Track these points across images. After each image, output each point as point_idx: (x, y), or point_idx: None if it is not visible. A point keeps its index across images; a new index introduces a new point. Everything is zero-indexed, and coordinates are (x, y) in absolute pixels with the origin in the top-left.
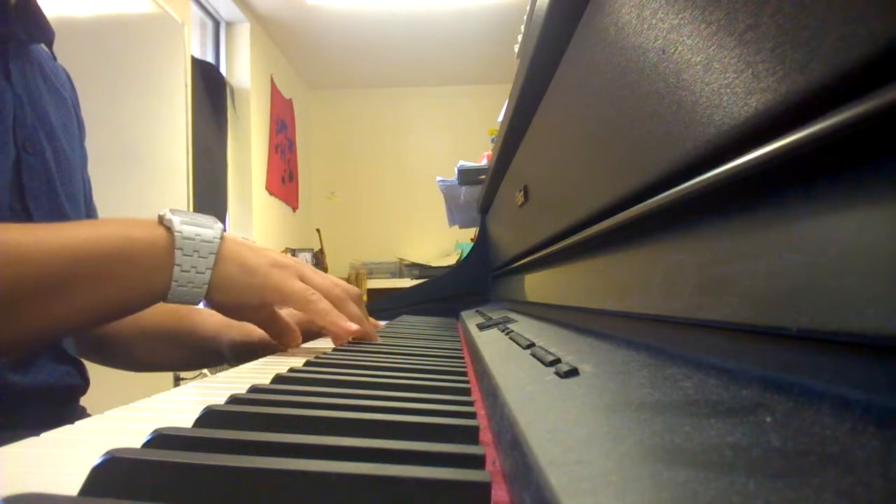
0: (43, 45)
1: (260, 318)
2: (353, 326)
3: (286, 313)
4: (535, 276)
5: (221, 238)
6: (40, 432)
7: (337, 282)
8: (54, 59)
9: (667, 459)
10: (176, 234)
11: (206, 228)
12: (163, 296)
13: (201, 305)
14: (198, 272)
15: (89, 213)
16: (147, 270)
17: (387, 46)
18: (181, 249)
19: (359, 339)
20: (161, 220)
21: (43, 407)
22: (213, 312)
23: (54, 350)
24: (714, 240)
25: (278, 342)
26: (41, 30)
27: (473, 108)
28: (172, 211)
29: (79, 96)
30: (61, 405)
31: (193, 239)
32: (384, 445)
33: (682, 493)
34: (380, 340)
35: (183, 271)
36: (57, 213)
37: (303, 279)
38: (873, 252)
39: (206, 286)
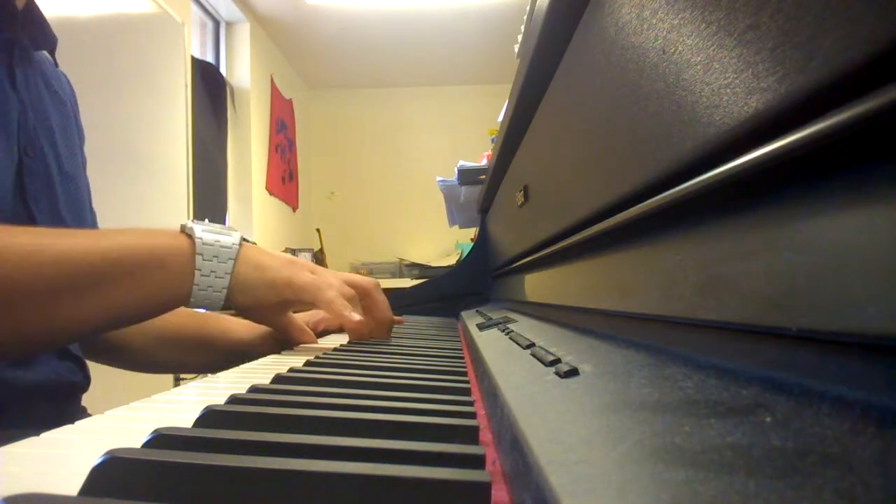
0: (45, 52)
1: (278, 320)
2: (356, 316)
3: (301, 316)
4: (535, 276)
5: (240, 244)
6: (42, 430)
7: (352, 280)
8: (56, 65)
9: (667, 459)
10: (197, 239)
11: (225, 236)
12: (185, 300)
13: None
14: (217, 276)
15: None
16: (171, 274)
17: (387, 46)
18: (201, 255)
19: (366, 336)
20: (183, 228)
21: (44, 404)
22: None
23: None
24: (714, 240)
25: (295, 343)
26: (45, 36)
27: (473, 108)
28: (194, 221)
29: (79, 96)
30: (63, 402)
31: (213, 245)
32: (384, 445)
33: (682, 493)
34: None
35: (203, 276)
36: (56, 216)
37: (314, 272)
38: (873, 252)
39: (226, 290)
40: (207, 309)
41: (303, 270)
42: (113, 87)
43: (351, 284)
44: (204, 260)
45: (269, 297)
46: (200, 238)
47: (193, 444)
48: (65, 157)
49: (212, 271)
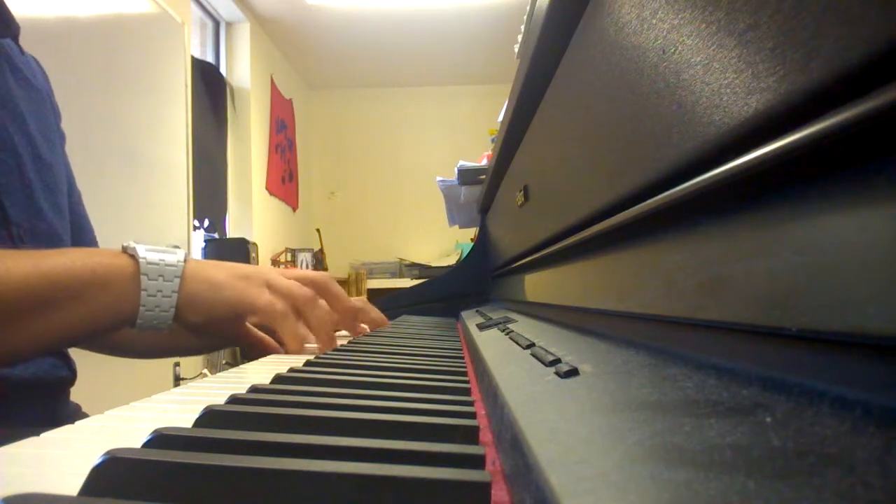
0: (10, 40)
1: (233, 333)
2: (302, 343)
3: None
4: (535, 276)
5: (185, 260)
6: (34, 426)
7: (306, 277)
8: (22, 52)
9: (667, 459)
10: (140, 260)
11: (169, 255)
12: (131, 320)
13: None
14: (164, 295)
15: (73, 204)
16: (114, 295)
17: (387, 46)
18: (146, 275)
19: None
20: (125, 249)
21: (32, 400)
22: None
23: None
24: (714, 240)
25: (252, 356)
26: (6, 25)
27: (473, 108)
28: (135, 243)
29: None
30: (51, 398)
31: (157, 264)
32: (384, 445)
33: (683, 493)
34: (333, 349)
35: (150, 296)
36: (33, 206)
37: (269, 286)
38: (873, 252)
39: (174, 308)
40: (155, 329)
41: (258, 286)
42: (113, 87)
43: (305, 282)
44: (149, 280)
45: (223, 313)
46: (144, 258)
47: (193, 444)
48: (41, 144)
49: (158, 290)
